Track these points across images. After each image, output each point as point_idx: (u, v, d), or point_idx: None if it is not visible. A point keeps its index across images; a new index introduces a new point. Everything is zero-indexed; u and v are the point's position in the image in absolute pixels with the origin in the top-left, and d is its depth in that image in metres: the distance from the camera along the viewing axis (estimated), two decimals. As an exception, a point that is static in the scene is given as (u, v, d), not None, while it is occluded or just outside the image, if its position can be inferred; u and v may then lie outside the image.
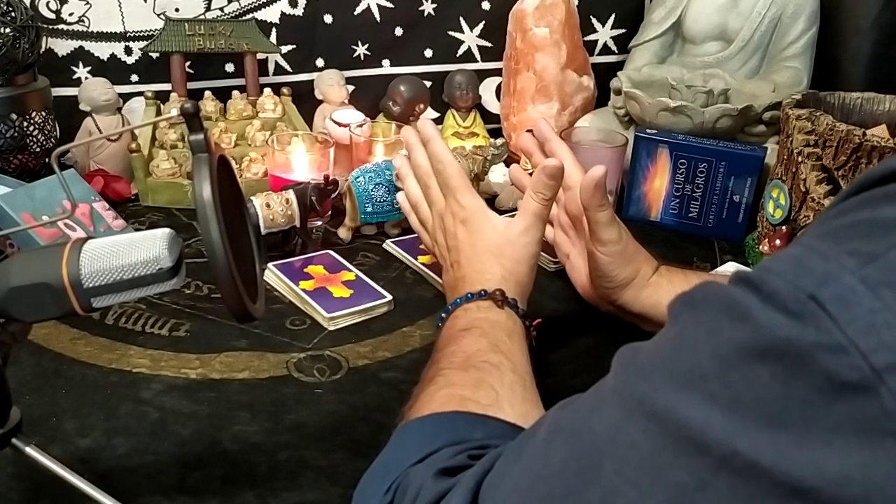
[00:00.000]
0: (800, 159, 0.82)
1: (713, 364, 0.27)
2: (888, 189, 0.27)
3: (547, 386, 0.53)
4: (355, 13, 1.15)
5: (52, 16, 1.02)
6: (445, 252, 0.67)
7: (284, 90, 1.11)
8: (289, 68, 1.15)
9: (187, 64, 1.07)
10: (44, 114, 0.94)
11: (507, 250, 0.62)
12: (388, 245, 0.88)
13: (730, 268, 0.85)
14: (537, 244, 0.63)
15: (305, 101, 1.12)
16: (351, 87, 1.14)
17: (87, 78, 1.04)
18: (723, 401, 0.26)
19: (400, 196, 0.77)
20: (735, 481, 0.26)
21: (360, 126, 0.99)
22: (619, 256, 0.68)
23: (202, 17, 1.08)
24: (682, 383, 0.28)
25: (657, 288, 0.68)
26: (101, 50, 1.06)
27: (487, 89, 1.24)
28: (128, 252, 0.41)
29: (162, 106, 1.06)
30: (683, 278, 0.69)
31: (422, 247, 0.82)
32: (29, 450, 0.46)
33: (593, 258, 0.69)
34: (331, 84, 1.09)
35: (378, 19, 1.16)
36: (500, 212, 0.73)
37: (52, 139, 0.97)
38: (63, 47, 1.04)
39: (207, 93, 1.07)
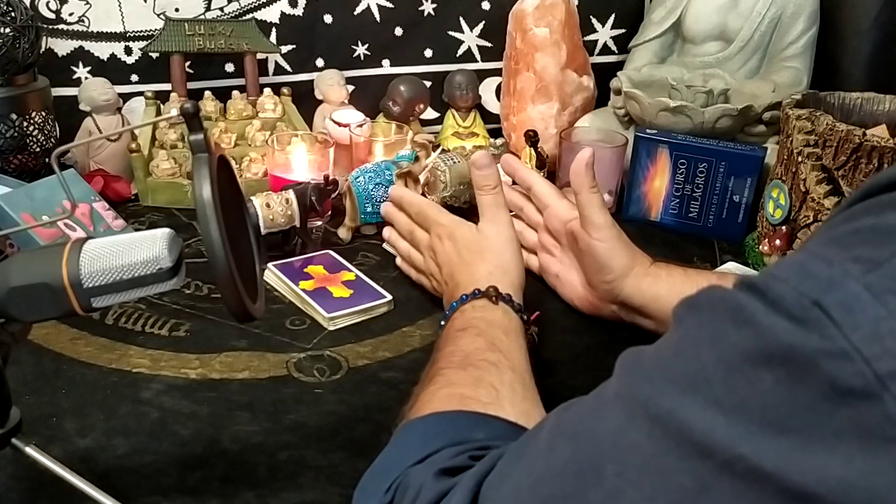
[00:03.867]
0: (800, 159, 0.82)
1: (717, 368, 0.27)
2: (893, 196, 0.27)
3: (547, 386, 0.53)
4: (355, 13, 1.15)
5: (52, 16, 1.02)
6: (440, 275, 0.70)
7: (284, 90, 1.11)
8: (289, 68, 1.15)
9: (187, 64, 1.07)
10: (44, 114, 0.94)
11: (485, 244, 0.67)
12: (388, 245, 0.88)
13: (730, 267, 0.85)
14: (508, 227, 0.68)
15: (305, 101, 1.12)
16: (351, 87, 1.14)
17: (87, 78, 1.04)
18: (726, 405, 0.26)
19: (398, 261, 0.82)
20: (738, 486, 0.26)
21: (360, 126, 0.99)
22: (615, 241, 0.68)
23: (202, 17, 1.08)
24: (685, 387, 0.28)
25: (657, 279, 0.68)
26: (101, 50, 1.06)
27: (487, 89, 1.24)
28: (128, 252, 0.41)
29: (162, 106, 1.06)
30: (682, 273, 0.69)
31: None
32: (29, 450, 0.46)
33: (590, 251, 0.69)
34: (331, 84, 1.09)
35: (378, 19, 1.16)
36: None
37: (52, 139, 0.97)
38: (63, 47, 1.04)
39: (207, 93, 1.07)
